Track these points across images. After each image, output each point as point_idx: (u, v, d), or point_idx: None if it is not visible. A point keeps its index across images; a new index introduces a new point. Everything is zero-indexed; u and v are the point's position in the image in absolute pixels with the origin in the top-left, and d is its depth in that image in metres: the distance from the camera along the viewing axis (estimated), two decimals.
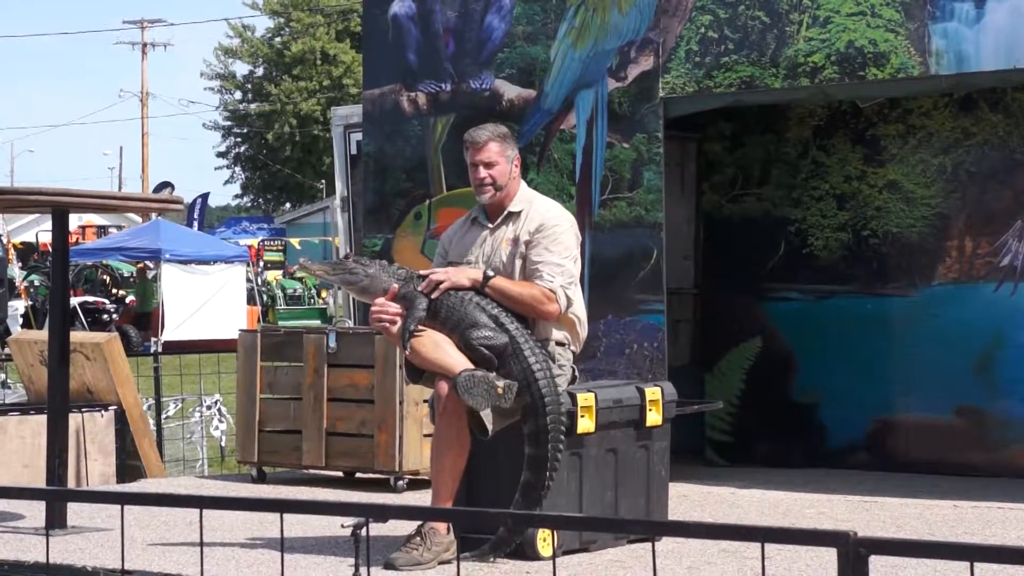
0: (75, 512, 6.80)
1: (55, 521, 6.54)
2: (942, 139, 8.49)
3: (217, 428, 12.31)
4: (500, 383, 5.63)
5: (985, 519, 6.98)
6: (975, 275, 8.39)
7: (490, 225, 6.14)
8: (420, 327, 5.82)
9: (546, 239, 6.01)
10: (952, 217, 8.47)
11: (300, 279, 34.86)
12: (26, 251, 34.28)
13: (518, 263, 6.02)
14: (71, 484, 7.96)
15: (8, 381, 13.17)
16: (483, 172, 6.07)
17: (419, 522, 5.80)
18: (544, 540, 5.82)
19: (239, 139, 56.11)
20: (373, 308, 5.91)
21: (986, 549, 2.77)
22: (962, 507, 7.27)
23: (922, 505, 7.34)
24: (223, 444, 12.24)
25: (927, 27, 7.28)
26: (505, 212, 6.12)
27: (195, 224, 36.08)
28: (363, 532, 5.23)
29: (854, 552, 2.82)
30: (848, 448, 8.71)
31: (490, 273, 5.94)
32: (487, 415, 5.71)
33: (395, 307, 5.87)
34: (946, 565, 5.56)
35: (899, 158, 8.62)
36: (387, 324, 5.88)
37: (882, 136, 8.67)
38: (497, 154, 6.09)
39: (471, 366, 5.71)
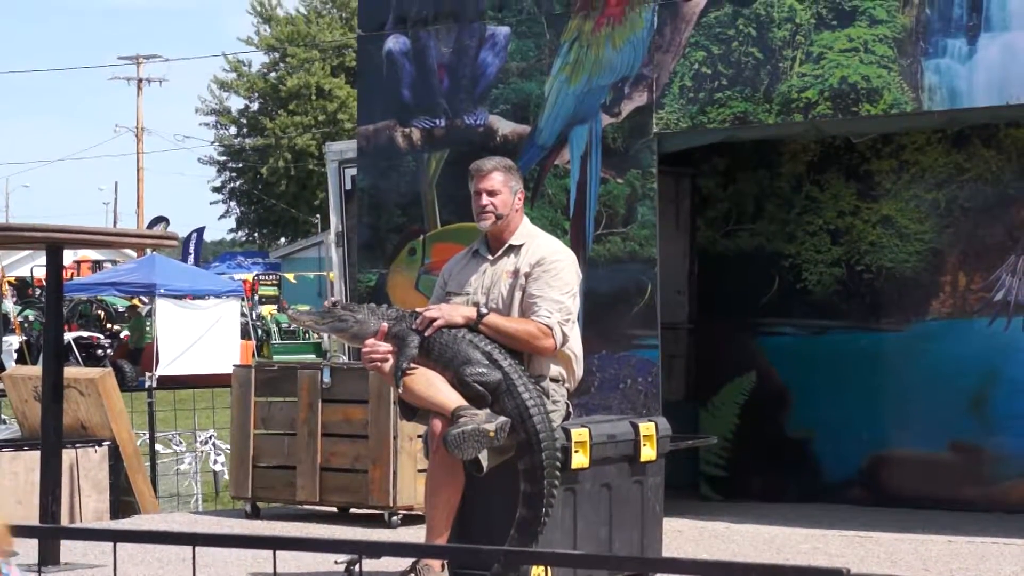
0: (68, 549, 6.78)
1: (48, 558, 6.52)
2: (935, 174, 8.51)
3: (216, 461, 12.28)
4: (491, 427, 5.61)
5: (980, 554, 6.97)
6: (969, 310, 8.40)
7: (491, 257, 6.15)
8: (413, 365, 5.82)
9: (546, 274, 6.02)
10: (946, 252, 8.49)
11: None
12: (21, 286, 34.27)
13: (518, 295, 6.03)
14: (65, 520, 7.93)
15: (2, 417, 13.14)
16: (485, 199, 6.08)
17: (413, 558, 5.79)
18: None
19: (234, 174, 56.15)
20: (364, 348, 5.91)
21: None
22: (956, 542, 7.26)
23: (916, 540, 7.33)
24: (226, 476, 12.22)
25: (920, 63, 7.31)
26: (506, 245, 6.13)
27: (191, 259, 36.05)
28: (357, 568, 5.22)
29: None
30: (842, 483, 8.70)
31: (484, 310, 5.94)
32: (482, 453, 5.71)
33: (386, 346, 5.87)
34: None
35: (892, 193, 8.64)
36: (379, 363, 5.88)
37: (875, 171, 8.69)
38: (501, 184, 6.11)
39: (464, 403, 5.71)
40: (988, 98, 7.21)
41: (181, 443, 12.79)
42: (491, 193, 6.10)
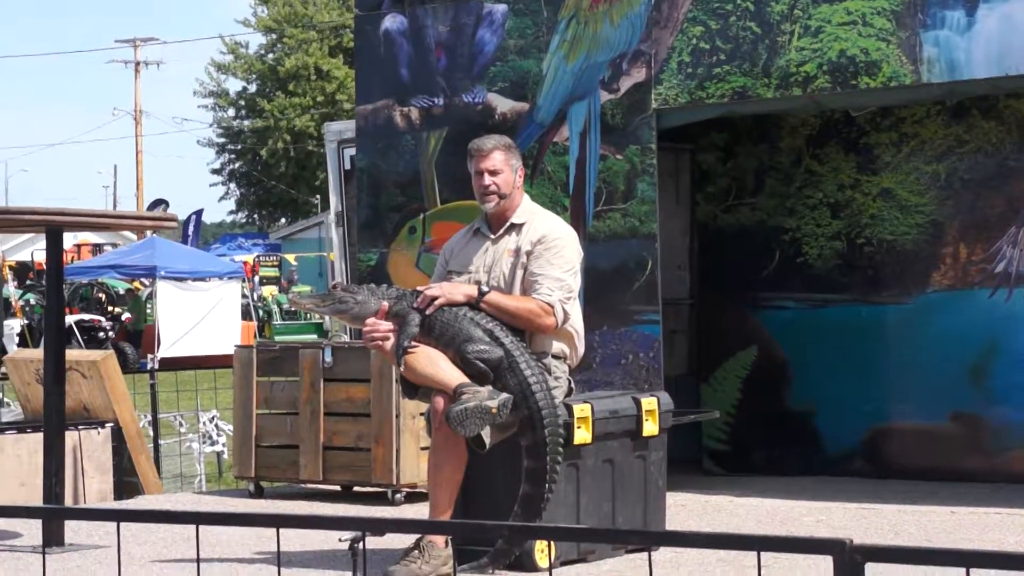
0: (72, 529, 6.80)
1: (52, 539, 6.54)
2: (935, 147, 8.50)
3: (216, 442, 12.29)
4: (493, 403, 5.62)
5: (982, 525, 6.99)
6: (970, 282, 8.40)
7: (492, 236, 6.15)
8: (414, 343, 5.83)
9: (548, 252, 6.02)
10: (946, 224, 8.49)
11: None
12: (20, 270, 34.26)
13: (519, 274, 6.03)
14: (68, 502, 7.95)
15: (4, 400, 13.15)
16: (488, 179, 6.08)
17: (417, 535, 5.80)
18: (542, 551, 5.82)
19: (233, 156, 56.10)
20: (365, 327, 5.92)
21: (982, 555, 2.78)
22: (959, 513, 7.27)
23: (919, 512, 7.34)
24: (226, 456, 12.24)
25: (918, 36, 7.30)
26: (508, 223, 6.13)
27: (190, 241, 36.05)
28: (360, 546, 5.23)
29: (850, 559, 2.83)
30: (845, 456, 8.72)
31: (485, 288, 5.95)
32: (484, 430, 5.72)
33: (387, 325, 5.88)
34: (943, 571, 5.56)
35: (892, 166, 8.63)
36: (380, 342, 5.89)
37: (875, 144, 8.69)
38: (502, 163, 6.10)
39: (466, 380, 5.72)
40: (987, 69, 7.20)
41: (183, 424, 12.80)
42: (493, 173, 6.10)
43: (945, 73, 7.27)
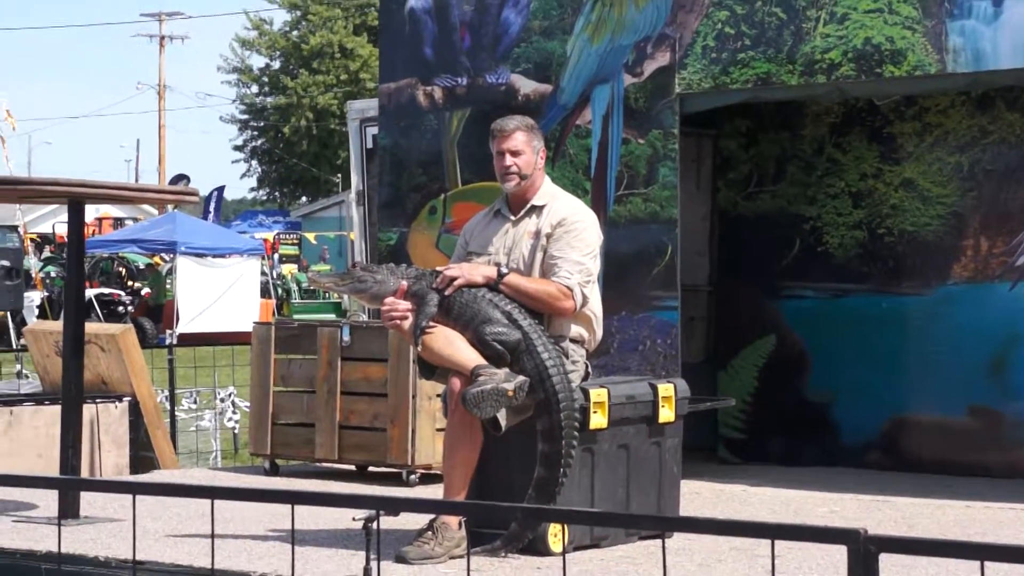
0: (88, 502, 6.82)
1: (68, 511, 6.56)
2: (958, 137, 8.46)
3: (231, 419, 12.33)
4: (510, 386, 5.61)
5: (997, 520, 6.96)
6: (990, 274, 8.37)
7: (512, 217, 6.14)
8: (432, 324, 5.82)
9: (568, 234, 6.01)
10: (968, 216, 8.45)
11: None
12: (40, 243, 34.35)
13: (539, 256, 6.02)
14: (84, 475, 7.98)
15: (23, 371, 13.20)
16: (509, 160, 6.06)
17: (431, 516, 5.81)
18: (555, 536, 5.82)
19: (256, 132, 56.16)
20: (383, 306, 5.91)
21: (997, 548, 2.77)
22: (974, 507, 7.25)
23: (934, 505, 7.32)
24: (236, 433, 12.27)
25: (944, 24, 7.26)
26: (528, 205, 6.12)
27: (210, 217, 36.13)
28: (374, 525, 5.23)
29: (864, 550, 2.82)
30: (861, 447, 8.69)
31: (504, 270, 5.94)
32: (500, 412, 5.72)
33: (405, 304, 5.87)
34: (957, 565, 5.55)
35: (915, 156, 8.59)
36: (398, 321, 5.88)
37: (898, 134, 8.65)
38: (524, 143, 6.09)
39: (483, 362, 5.71)
40: (1013, 60, 7.16)
41: (195, 401, 12.84)
42: (514, 153, 6.08)
43: (970, 63, 7.23)
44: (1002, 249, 8.33)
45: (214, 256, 27.33)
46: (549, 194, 6.17)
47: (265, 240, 35.72)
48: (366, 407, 8.07)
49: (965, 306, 8.41)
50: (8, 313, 22.47)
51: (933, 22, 7.28)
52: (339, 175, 50.92)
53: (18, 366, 13.88)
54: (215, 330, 23.79)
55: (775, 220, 8.98)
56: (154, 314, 27.60)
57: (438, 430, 7.65)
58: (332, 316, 27.45)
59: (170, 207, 28.75)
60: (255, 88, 55.68)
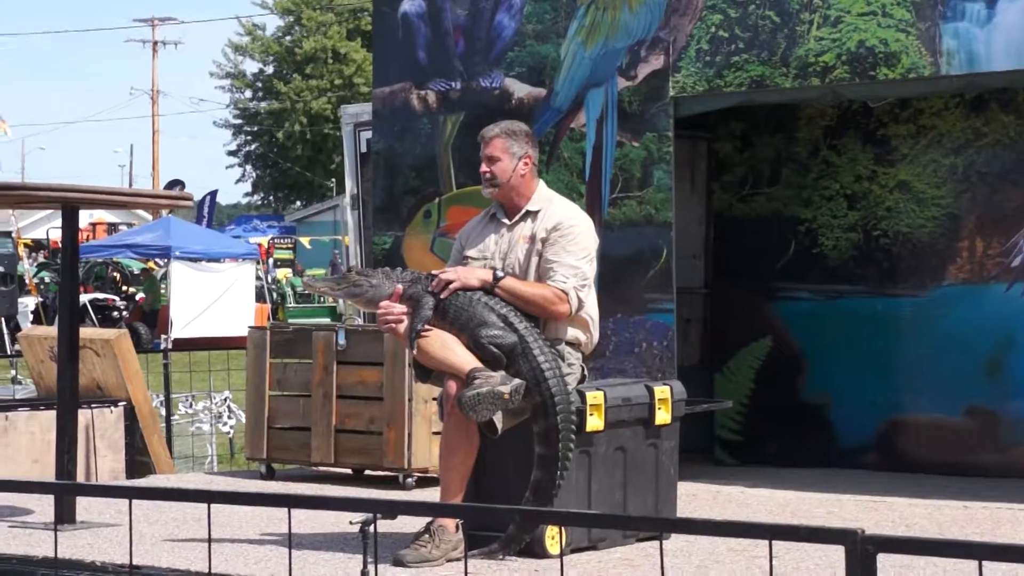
0: (84, 507, 6.81)
1: (64, 516, 6.55)
2: (953, 139, 8.47)
3: (226, 424, 12.32)
4: (506, 389, 5.61)
5: (995, 519, 6.97)
6: (986, 276, 8.38)
7: (508, 222, 6.15)
8: (428, 327, 5.83)
9: (563, 239, 6.02)
10: (963, 217, 8.46)
11: None
12: (36, 248, 34.34)
13: (534, 261, 6.03)
14: (80, 480, 7.97)
15: (18, 377, 13.19)
16: (484, 167, 6.13)
17: (428, 519, 5.81)
18: (552, 538, 5.82)
19: (249, 137, 56.15)
20: (379, 310, 5.92)
21: (994, 548, 2.77)
22: (972, 507, 7.26)
23: (932, 505, 7.33)
24: (231, 439, 12.26)
25: (938, 27, 7.27)
26: (523, 210, 6.13)
27: (204, 221, 36.11)
28: (371, 529, 5.23)
29: (862, 550, 2.82)
30: (858, 448, 8.70)
31: (500, 273, 5.94)
32: (496, 415, 5.72)
33: (400, 307, 5.87)
34: (955, 564, 5.56)
35: (910, 158, 8.60)
36: (393, 324, 5.88)
37: (893, 136, 8.66)
38: (501, 150, 6.10)
39: (479, 365, 5.71)
40: (1007, 62, 7.17)
41: (192, 405, 12.83)
42: (491, 160, 6.12)
43: (964, 65, 7.24)
44: (998, 250, 8.34)
45: (208, 261, 27.31)
46: (544, 198, 6.18)
47: (260, 244, 35.70)
48: (362, 411, 8.07)
49: (961, 307, 8.42)
50: (2, 319, 22.46)
51: (927, 24, 7.29)
52: (333, 179, 50.94)
53: (13, 371, 13.87)
54: (210, 335, 23.76)
55: (770, 222, 8.99)
56: (149, 319, 27.58)
57: (434, 433, 7.65)
58: (327, 320, 27.44)
59: (164, 212, 28.74)
60: (248, 93, 55.68)
